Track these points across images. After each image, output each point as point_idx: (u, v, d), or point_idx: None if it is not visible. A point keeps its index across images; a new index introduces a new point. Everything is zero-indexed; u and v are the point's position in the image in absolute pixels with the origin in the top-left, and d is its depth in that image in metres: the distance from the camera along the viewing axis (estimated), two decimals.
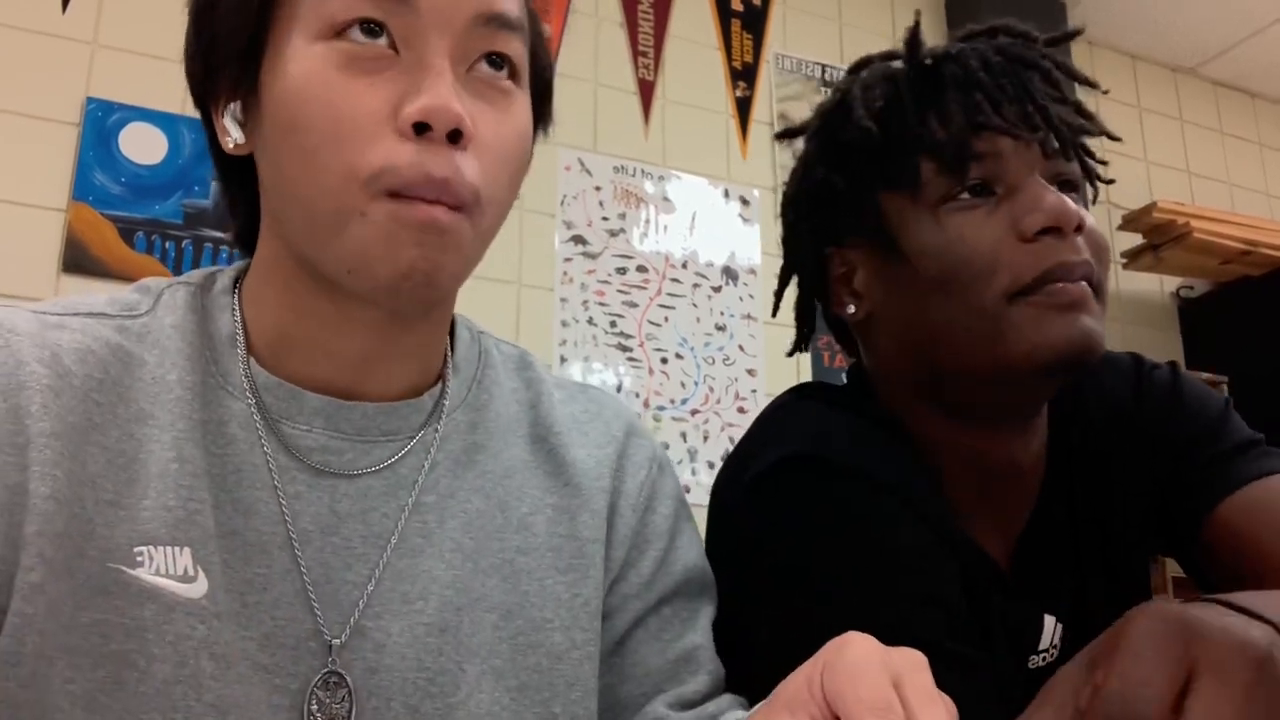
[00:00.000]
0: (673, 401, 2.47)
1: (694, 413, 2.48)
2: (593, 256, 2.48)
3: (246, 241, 0.68)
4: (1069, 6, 3.15)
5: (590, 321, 2.44)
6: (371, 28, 0.57)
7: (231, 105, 0.62)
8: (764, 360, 2.58)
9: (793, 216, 0.87)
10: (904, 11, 3.04)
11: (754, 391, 2.55)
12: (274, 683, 0.58)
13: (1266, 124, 3.70)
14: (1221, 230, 3.01)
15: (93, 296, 0.64)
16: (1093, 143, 0.81)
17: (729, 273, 2.63)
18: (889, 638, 0.47)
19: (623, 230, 2.53)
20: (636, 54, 2.67)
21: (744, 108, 2.77)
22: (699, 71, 2.74)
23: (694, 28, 2.76)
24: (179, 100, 2.11)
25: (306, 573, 0.60)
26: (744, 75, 2.80)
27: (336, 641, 0.59)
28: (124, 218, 2.05)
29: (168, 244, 2.08)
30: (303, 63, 0.57)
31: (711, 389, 2.52)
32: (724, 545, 0.79)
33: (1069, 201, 0.74)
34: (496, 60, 0.60)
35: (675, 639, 0.70)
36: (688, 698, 0.68)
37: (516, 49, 0.61)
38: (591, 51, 2.61)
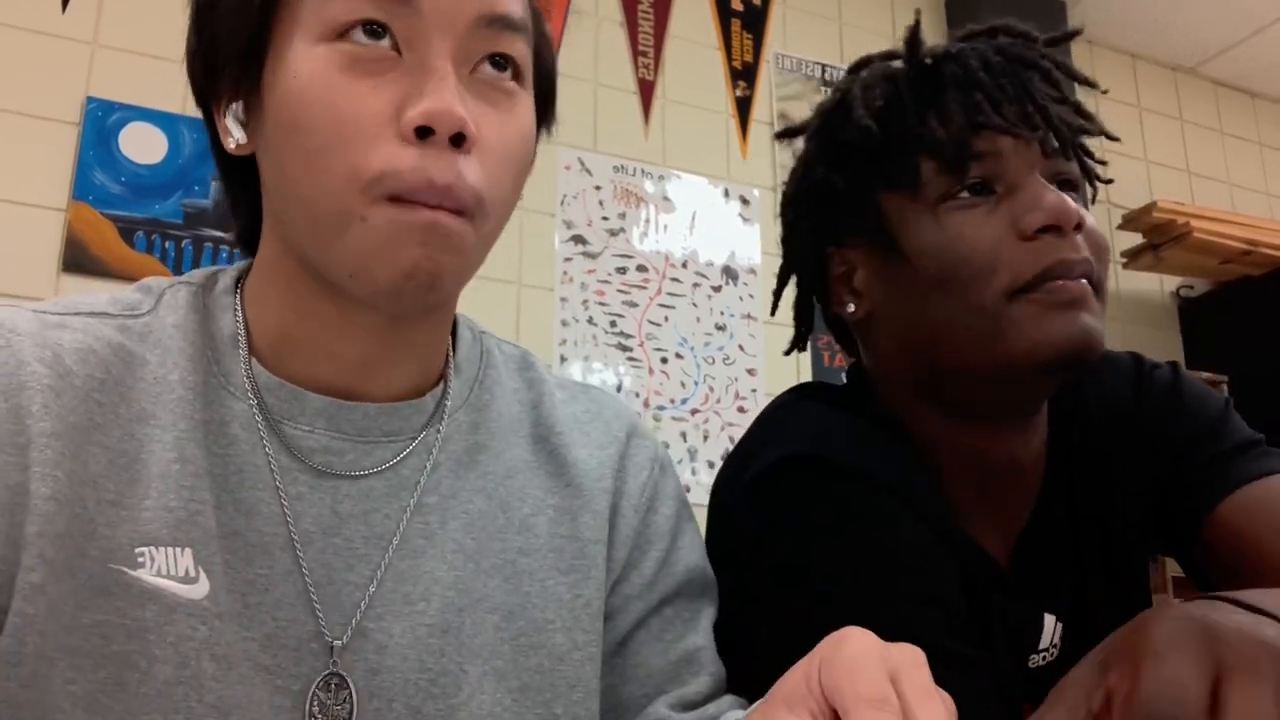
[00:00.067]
0: (673, 401, 2.47)
1: (694, 412, 2.48)
2: (593, 256, 2.48)
3: (249, 242, 0.68)
4: (1069, 6, 3.15)
5: (590, 321, 2.44)
6: (374, 29, 0.57)
7: (233, 105, 0.61)
8: (764, 360, 2.58)
9: (792, 216, 0.87)
10: (904, 11, 3.04)
11: (754, 391, 2.55)
12: (275, 684, 0.58)
13: (1266, 124, 3.70)
14: (1221, 230, 3.02)
15: (94, 296, 0.64)
16: (1092, 142, 0.82)
17: (729, 272, 2.63)
18: (889, 637, 0.47)
19: (623, 230, 2.53)
20: (636, 54, 2.67)
21: (744, 107, 2.77)
22: (699, 71, 2.74)
23: (694, 27, 2.76)
24: (179, 100, 2.12)
25: (308, 574, 0.60)
26: (744, 75, 2.80)
27: (338, 643, 0.59)
28: (124, 217, 2.06)
29: (168, 244, 2.08)
30: (305, 64, 0.57)
31: (711, 389, 2.52)
32: (724, 545, 0.79)
33: (1069, 200, 0.74)
34: (500, 61, 0.60)
35: (677, 640, 0.70)
36: (689, 699, 0.68)
37: (520, 50, 0.61)
38: (591, 51, 2.61)
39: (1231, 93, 3.65)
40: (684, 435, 2.46)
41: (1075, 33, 0.89)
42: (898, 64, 0.82)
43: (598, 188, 2.53)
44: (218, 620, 0.56)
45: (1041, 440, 0.83)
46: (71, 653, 0.54)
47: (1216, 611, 0.39)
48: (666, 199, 2.61)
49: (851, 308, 0.83)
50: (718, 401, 2.51)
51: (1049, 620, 0.81)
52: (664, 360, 2.49)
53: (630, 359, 2.46)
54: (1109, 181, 0.89)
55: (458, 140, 0.56)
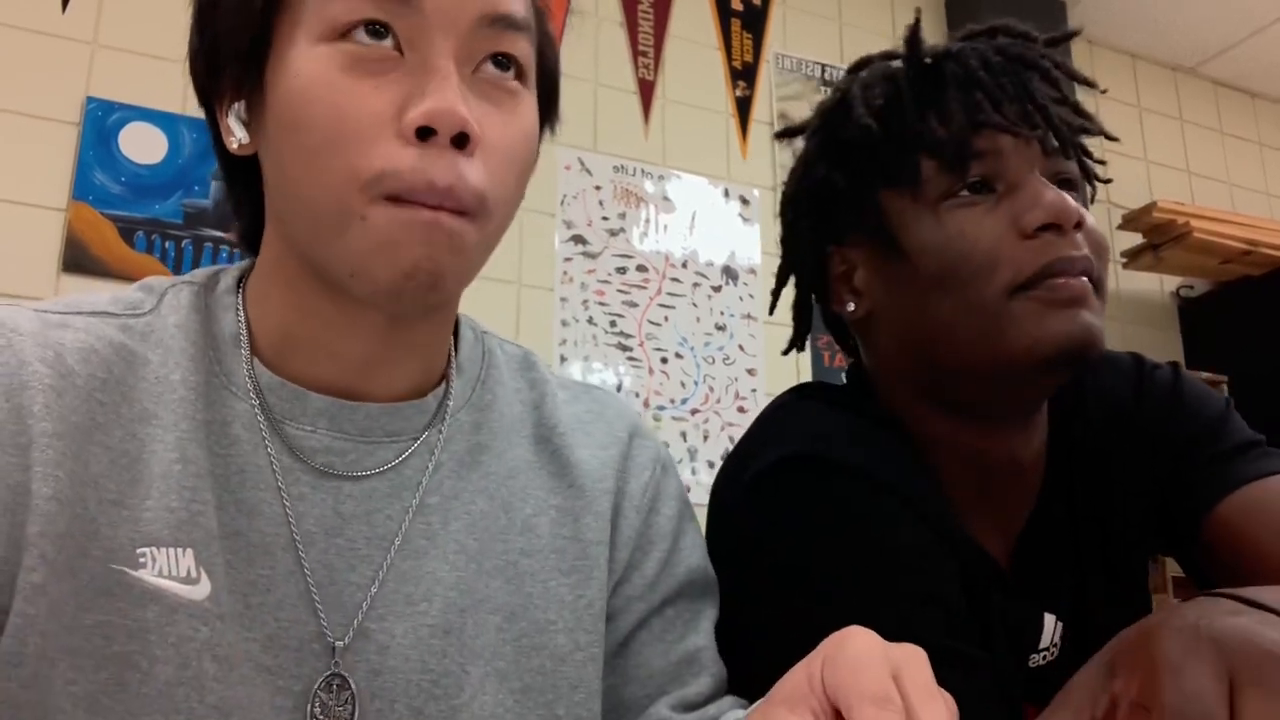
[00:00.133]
0: (673, 401, 2.47)
1: (694, 412, 2.48)
2: (593, 256, 2.48)
3: (251, 242, 0.68)
4: (1069, 6, 3.15)
5: (590, 321, 2.44)
6: (376, 29, 0.57)
7: (236, 105, 0.61)
8: (764, 360, 2.58)
9: (792, 215, 0.87)
10: (904, 11, 3.04)
11: (754, 391, 2.55)
12: (277, 684, 0.58)
13: (1266, 124, 3.70)
14: (1221, 230, 3.02)
15: (96, 295, 0.64)
16: (1092, 142, 0.82)
17: (729, 272, 2.63)
18: (889, 637, 0.47)
19: (623, 230, 2.53)
20: (636, 54, 2.67)
21: (744, 107, 2.77)
22: (699, 71, 2.74)
23: (694, 27, 2.76)
24: (179, 100, 2.12)
25: (310, 574, 0.60)
26: (744, 75, 2.80)
27: (340, 643, 0.59)
28: (124, 217, 2.06)
29: (168, 244, 2.08)
30: (307, 64, 0.57)
31: (711, 389, 2.52)
32: (724, 545, 0.79)
33: (1069, 198, 0.74)
34: (503, 61, 0.60)
35: (678, 641, 0.70)
36: (690, 700, 0.68)
37: (523, 49, 0.61)
38: (591, 51, 2.61)
39: (1231, 93, 3.66)
40: (684, 435, 2.46)
41: (1074, 33, 0.89)
42: (898, 64, 0.82)
43: (598, 188, 2.53)
44: (219, 621, 0.56)
45: (1042, 440, 0.83)
46: (72, 653, 0.53)
47: (1220, 617, 0.39)
48: (666, 199, 2.61)
49: (851, 306, 0.83)
50: (718, 401, 2.51)
51: (1049, 620, 0.81)
52: (664, 360, 2.49)
53: (630, 359, 2.46)
54: (1108, 181, 0.89)
55: (460, 141, 0.56)
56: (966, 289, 0.74)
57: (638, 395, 2.43)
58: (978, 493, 0.81)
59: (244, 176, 0.65)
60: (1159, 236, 3.04)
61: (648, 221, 2.57)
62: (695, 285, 2.58)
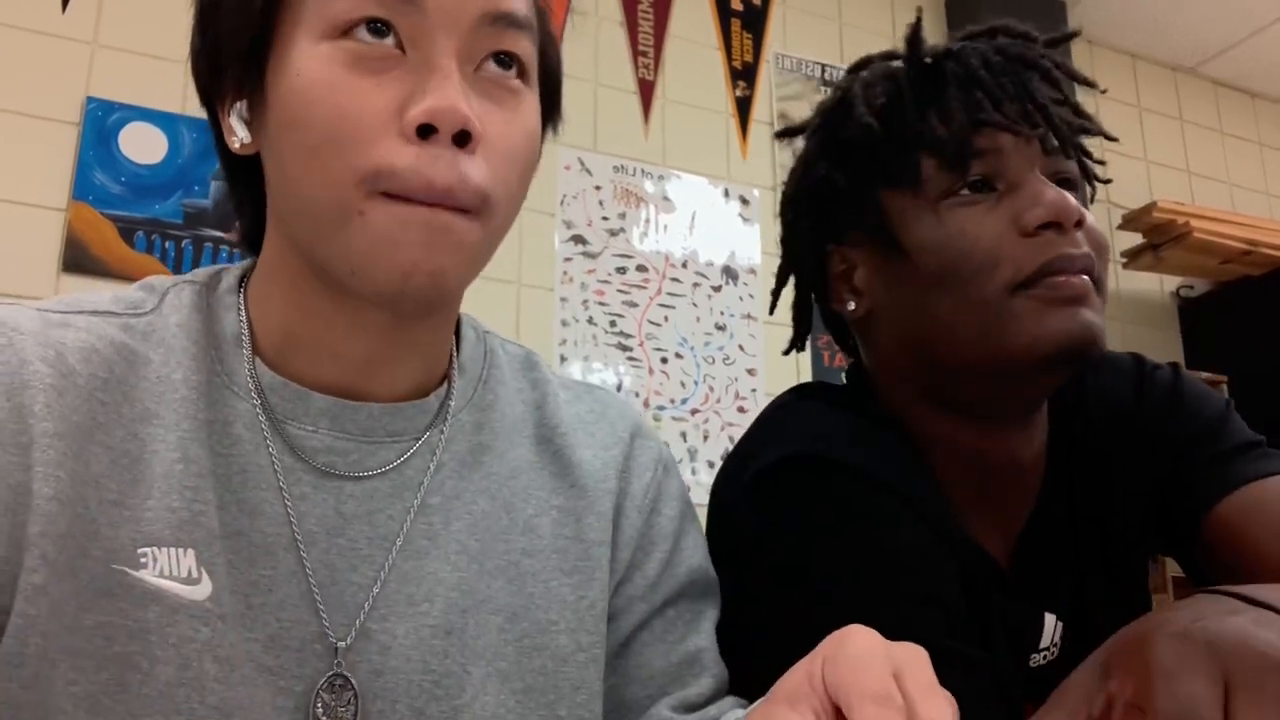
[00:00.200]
0: (673, 401, 2.47)
1: (694, 412, 2.49)
2: (593, 256, 2.48)
3: (253, 242, 0.68)
4: (1069, 6, 3.15)
5: (590, 321, 2.44)
6: (378, 27, 0.57)
7: (237, 105, 0.61)
8: (764, 360, 2.58)
9: (792, 215, 0.88)
10: (904, 11, 3.04)
11: (754, 391, 2.55)
12: (278, 685, 0.58)
13: (1266, 124, 3.70)
14: (1221, 230, 3.02)
15: (97, 295, 0.64)
16: (1092, 143, 0.82)
17: (729, 272, 2.63)
18: (889, 637, 0.47)
19: (623, 230, 2.53)
20: (636, 54, 2.67)
21: (744, 107, 2.77)
22: (699, 71, 2.74)
23: (694, 27, 2.76)
24: (179, 100, 2.12)
25: (312, 574, 0.60)
26: (744, 75, 2.80)
27: (342, 644, 0.59)
28: (124, 217, 2.06)
29: (168, 244, 2.08)
30: (308, 62, 0.57)
31: (711, 389, 2.52)
32: (724, 545, 0.79)
33: (1070, 197, 0.74)
34: (505, 59, 0.60)
35: (679, 641, 0.70)
36: (691, 700, 0.68)
37: (525, 48, 0.61)
38: (591, 51, 2.61)
39: (1231, 93, 3.66)
40: (684, 435, 2.46)
41: (1074, 34, 0.89)
42: (898, 63, 0.82)
43: (598, 188, 2.53)
44: (220, 621, 0.56)
45: (1042, 440, 0.84)
46: (73, 654, 0.53)
47: (1216, 618, 0.39)
48: (666, 199, 2.61)
49: (852, 306, 0.83)
50: (718, 401, 2.51)
51: (1049, 619, 0.81)
52: (664, 360, 2.49)
53: (630, 359, 2.46)
54: (1108, 181, 0.89)
55: (462, 139, 0.56)
56: (967, 287, 0.74)
57: (638, 395, 2.43)
58: (978, 493, 0.81)
59: (246, 176, 0.65)
60: (1159, 236, 3.04)
61: (648, 221, 2.57)
62: (695, 285, 2.58)
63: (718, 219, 2.65)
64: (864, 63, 0.86)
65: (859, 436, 0.78)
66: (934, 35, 0.81)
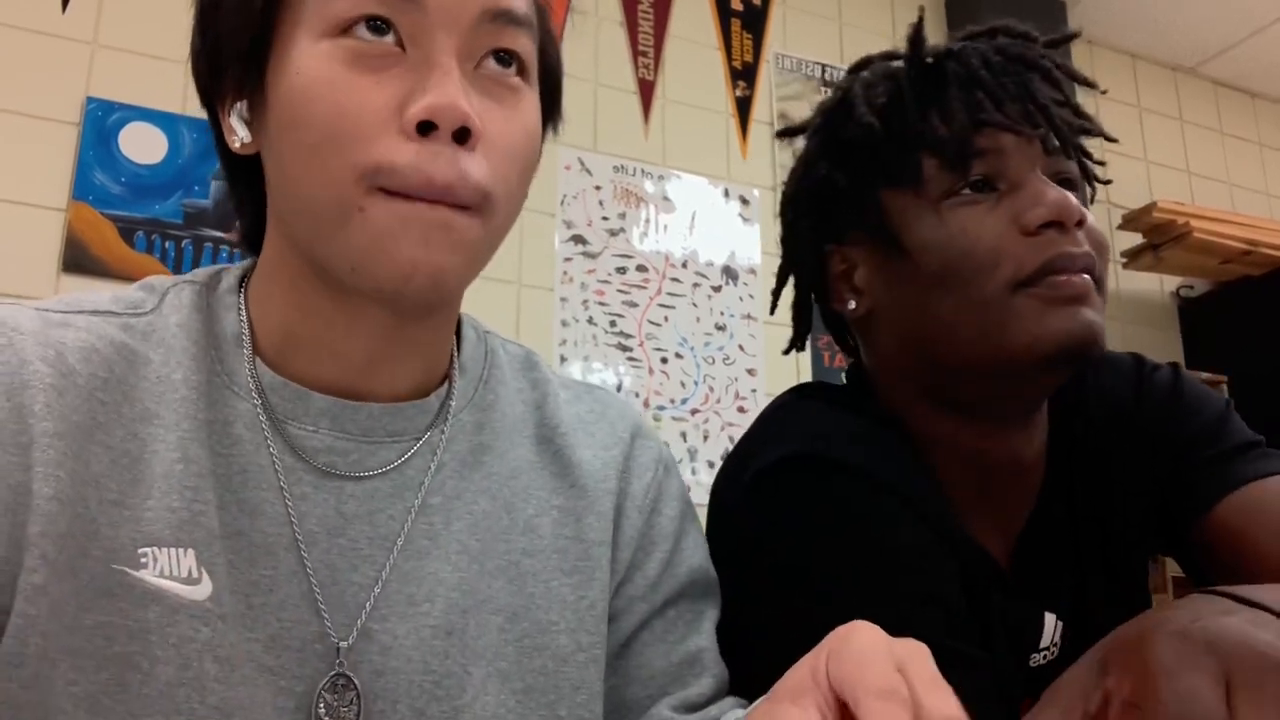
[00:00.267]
0: (673, 401, 2.47)
1: (694, 412, 2.49)
2: (593, 256, 2.49)
3: (253, 242, 0.68)
4: (1069, 6, 3.15)
5: (590, 321, 2.44)
6: (378, 25, 0.57)
7: (238, 105, 0.61)
8: (764, 360, 2.58)
9: (792, 214, 0.88)
10: (904, 11, 3.05)
11: (754, 391, 2.55)
12: (279, 685, 0.58)
13: (1266, 124, 3.70)
14: (1221, 230, 3.02)
15: (97, 294, 0.63)
16: (1092, 143, 0.82)
17: (729, 272, 2.63)
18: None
19: (623, 230, 2.53)
20: (636, 54, 2.67)
21: (744, 107, 2.77)
22: (699, 71, 2.74)
23: (694, 27, 2.76)
24: (179, 100, 2.12)
25: (313, 574, 0.60)
26: (744, 75, 2.80)
27: (344, 644, 0.59)
28: (124, 217, 2.06)
29: (168, 244, 2.08)
30: (308, 60, 0.57)
31: (711, 389, 2.52)
32: (724, 545, 0.79)
33: (1071, 197, 0.74)
34: (504, 57, 0.60)
35: (680, 641, 0.70)
36: (692, 700, 0.68)
37: (525, 45, 0.61)
38: (591, 51, 2.61)
39: (1231, 93, 3.66)
40: (684, 435, 2.46)
41: (1074, 35, 0.89)
42: (899, 63, 0.82)
43: (598, 188, 2.53)
44: (220, 621, 0.56)
45: (1042, 440, 0.84)
46: (73, 654, 0.53)
47: (1213, 618, 0.39)
48: (666, 199, 2.61)
49: (852, 305, 0.83)
50: (718, 401, 2.51)
51: (1049, 619, 0.81)
52: (664, 360, 2.49)
53: (630, 359, 2.46)
54: (1108, 182, 0.89)
55: (461, 136, 0.56)
56: (968, 286, 0.74)
57: (638, 395, 2.43)
58: (978, 492, 0.81)
59: (246, 176, 0.65)
60: (1159, 236, 3.04)
61: (648, 221, 2.57)
62: (695, 285, 2.58)
63: (718, 219, 2.66)
64: (864, 63, 0.86)
65: (859, 436, 0.78)
66: (934, 35, 0.81)
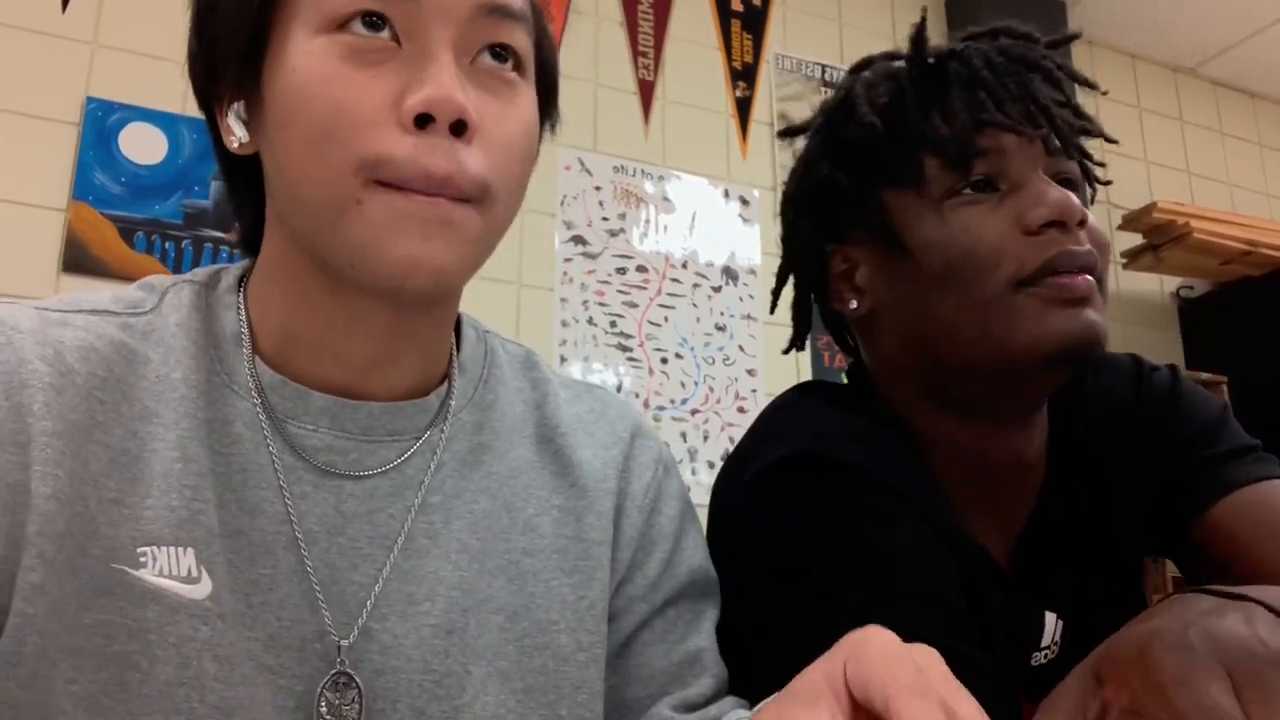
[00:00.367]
0: (673, 401, 2.47)
1: (694, 413, 2.49)
2: (593, 256, 2.49)
3: (251, 243, 0.68)
4: (1069, 7, 3.15)
5: (590, 321, 2.44)
6: (373, 20, 0.57)
7: (235, 105, 0.61)
8: (764, 360, 2.58)
9: (793, 214, 0.88)
10: (904, 12, 3.05)
11: (754, 391, 2.55)
12: (279, 684, 0.57)
13: (1266, 124, 3.70)
14: (1221, 230, 3.02)
15: (96, 294, 0.63)
16: (1092, 143, 0.82)
17: (729, 273, 2.63)
18: None
19: (623, 230, 2.54)
20: (636, 54, 2.67)
21: (744, 108, 2.77)
22: (699, 71, 2.74)
23: (694, 28, 2.76)
24: (179, 100, 2.12)
25: (313, 573, 0.59)
26: (744, 75, 2.80)
27: (344, 643, 0.59)
28: (124, 217, 2.06)
29: (168, 244, 2.08)
30: (304, 57, 0.57)
31: (711, 389, 2.52)
32: (724, 544, 0.79)
33: (1072, 196, 0.74)
34: (500, 52, 0.60)
35: (680, 641, 0.70)
36: (692, 700, 0.68)
37: (520, 40, 0.61)
38: (591, 51, 2.61)
39: (1231, 93, 3.66)
40: (684, 435, 2.46)
41: (1074, 36, 0.90)
42: (900, 63, 0.82)
43: (598, 188, 2.54)
44: (220, 620, 0.56)
45: (1042, 440, 0.84)
46: (73, 653, 0.53)
47: (1208, 620, 0.40)
48: (666, 199, 2.61)
49: (853, 305, 0.83)
50: (718, 402, 2.52)
51: (1050, 619, 0.81)
52: (664, 360, 2.49)
53: (630, 359, 2.46)
54: (1108, 183, 0.89)
55: (458, 128, 0.56)
56: (970, 285, 0.74)
57: (638, 395, 2.43)
58: (978, 492, 0.81)
59: (244, 176, 0.65)
60: (1159, 237, 3.04)
61: (648, 222, 2.57)
62: (695, 286, 2.58)
63: (718, 219, 2.66)
64: (866, 63, 0.86)
65: (859, 436, 0.78)
66: (934, 36, 0.81)
